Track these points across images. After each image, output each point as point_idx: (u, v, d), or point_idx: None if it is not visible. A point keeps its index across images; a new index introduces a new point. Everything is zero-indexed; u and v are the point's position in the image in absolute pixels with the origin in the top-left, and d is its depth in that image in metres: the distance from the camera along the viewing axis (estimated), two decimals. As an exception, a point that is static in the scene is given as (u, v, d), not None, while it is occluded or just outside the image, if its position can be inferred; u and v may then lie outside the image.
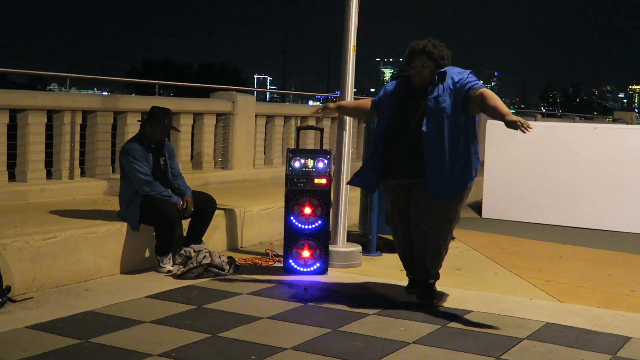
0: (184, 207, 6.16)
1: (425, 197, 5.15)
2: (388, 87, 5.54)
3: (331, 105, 6.03)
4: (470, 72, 5.21)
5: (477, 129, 5.29)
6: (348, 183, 6.16)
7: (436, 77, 5.17)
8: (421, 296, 5.34)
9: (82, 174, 7.87)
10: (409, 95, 5.29)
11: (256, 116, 10.09)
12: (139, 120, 7.17)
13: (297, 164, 6.16)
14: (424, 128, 5.09)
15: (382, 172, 5.40)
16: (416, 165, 5.15)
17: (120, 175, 6.33)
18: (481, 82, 5.25)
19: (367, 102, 5.75)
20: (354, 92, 6.65)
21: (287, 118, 10.84)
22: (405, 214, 5.33)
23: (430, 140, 5.08)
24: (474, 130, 5.22)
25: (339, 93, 6.67)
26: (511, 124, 4.81)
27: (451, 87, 5.10)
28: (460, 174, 5.13)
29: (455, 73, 5.17)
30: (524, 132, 4.77)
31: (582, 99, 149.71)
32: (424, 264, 5.31)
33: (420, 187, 5.18)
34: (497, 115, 4.97)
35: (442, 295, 5.45)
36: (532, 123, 4.95)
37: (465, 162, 5.14)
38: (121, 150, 6.30)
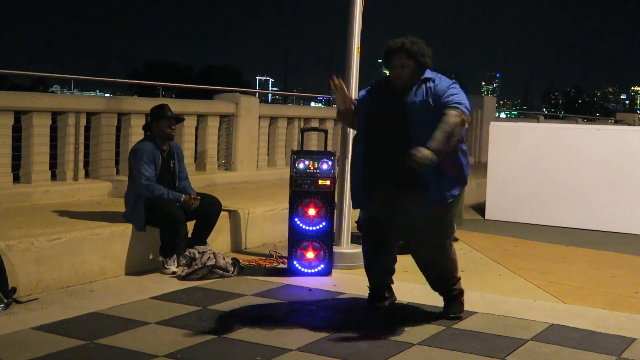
0: (191, 201, 6.14)
1: (421, 204, 4.73)
2: (362, 91, 5.08)
3: (349, 98, 5.13)
4: (455, 83, 4.83)
5: (462, 132, 4.84)
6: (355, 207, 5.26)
7: (420, 80, 4.78)
8: (451, 313, 5.00)
9: (86, 175, 7.89)
10: (387, 97, 4.85)
11: (259, 118, 10.11)
12: (143, 128, 7.07)
13: (301, 166, 6.16)
14: (413, 132, 4.66)
15: (364, 180, 4.90)
16: (407, 171, 4.59)
17: (128, 175, 6.34)
18: (463, 96, 4.78)
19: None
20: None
21: (290, 119, 10.85)
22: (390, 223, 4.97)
23: (423, 144, 4.53)
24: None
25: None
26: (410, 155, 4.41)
27: (438, 94, 4.70)
28: (458, 176, 4.82)
29: (445, 83, 4.76)
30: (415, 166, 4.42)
31: (584, 101, 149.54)
32: (443, 275, 5.02)
33: (411, 197, 4.77)
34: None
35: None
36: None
37: (456, 166, 4.82)
38: (131, 149, 6.32)
